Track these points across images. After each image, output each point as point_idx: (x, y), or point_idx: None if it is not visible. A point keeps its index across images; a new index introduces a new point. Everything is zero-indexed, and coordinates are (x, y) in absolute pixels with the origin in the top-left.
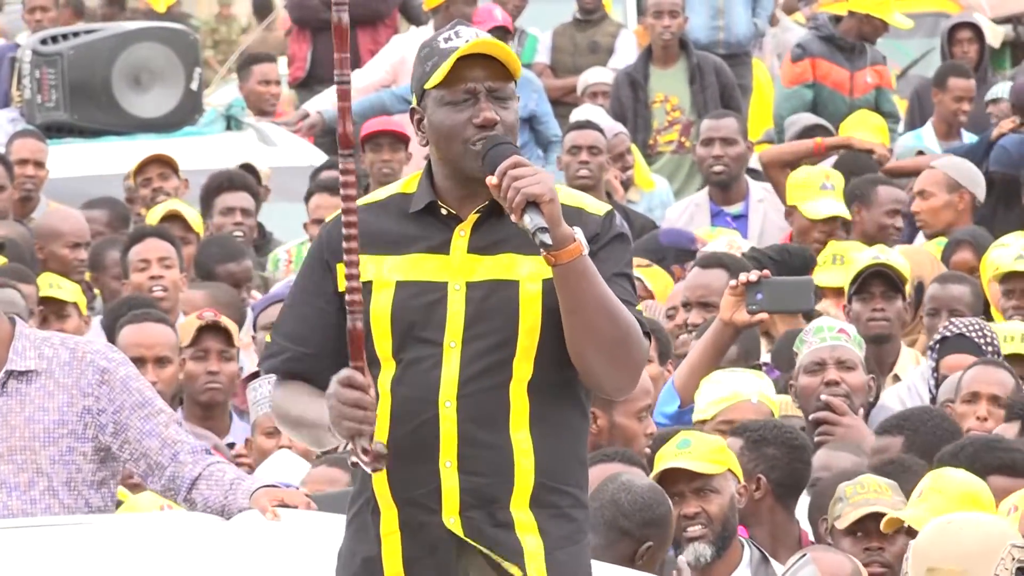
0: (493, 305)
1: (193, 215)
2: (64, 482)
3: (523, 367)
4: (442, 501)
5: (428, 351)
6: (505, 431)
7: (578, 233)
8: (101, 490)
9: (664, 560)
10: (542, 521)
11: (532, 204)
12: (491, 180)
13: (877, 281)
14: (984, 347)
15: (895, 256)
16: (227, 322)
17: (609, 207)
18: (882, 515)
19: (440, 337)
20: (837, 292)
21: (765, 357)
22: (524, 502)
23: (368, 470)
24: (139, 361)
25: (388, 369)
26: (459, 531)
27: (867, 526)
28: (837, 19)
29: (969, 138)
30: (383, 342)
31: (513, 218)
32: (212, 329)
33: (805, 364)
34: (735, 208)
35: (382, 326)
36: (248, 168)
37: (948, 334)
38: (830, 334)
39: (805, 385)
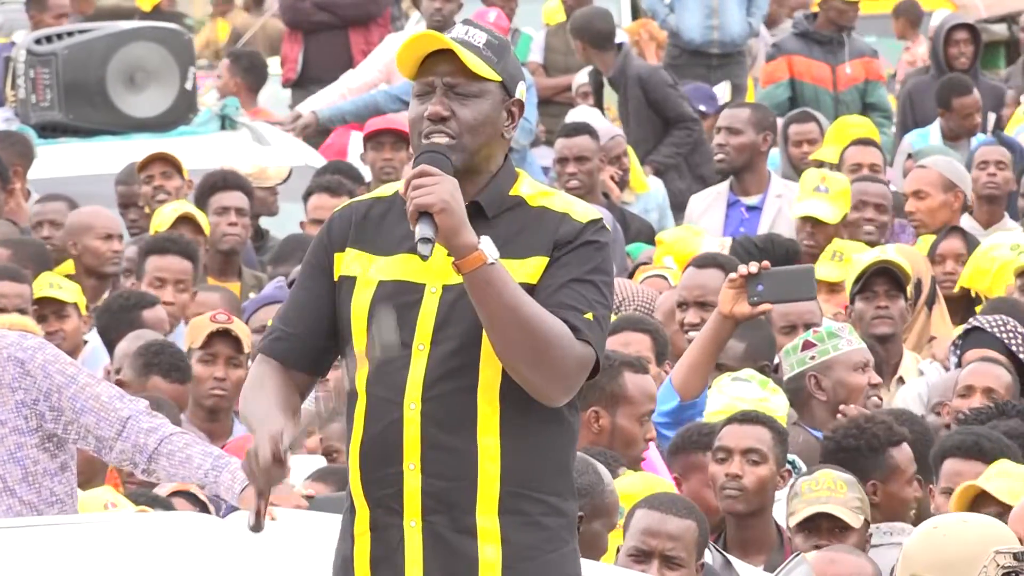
0: (461, 309)
1: (203, 217)
2: (20, 479)
3: (489, 372)
4: (404, 503)
5: (399, 352)
6: (471, 435)
7: (484, 243)
8: (64, 474)
9: (603, 534)
10: (508, 529)
11: (426, 214)
12: (400, 189)
13: (881, 280)
14: (1007, 342)
15: (898, 255)
16: (239, 328)
17: (596, 216)
18: (831, 515)
19: (411, 339)
20: (832, 287)
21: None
22: (491, 508)
23: (249, 525)
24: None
25: (364, 368)
26: (419, 535)
27: (818, 524)
28: (815, 16)
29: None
30: (360, 340)
31: (411, 226)
32: (223, 334)
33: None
34: (752, 200)
35: (360, 324)
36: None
37: (970, 328)
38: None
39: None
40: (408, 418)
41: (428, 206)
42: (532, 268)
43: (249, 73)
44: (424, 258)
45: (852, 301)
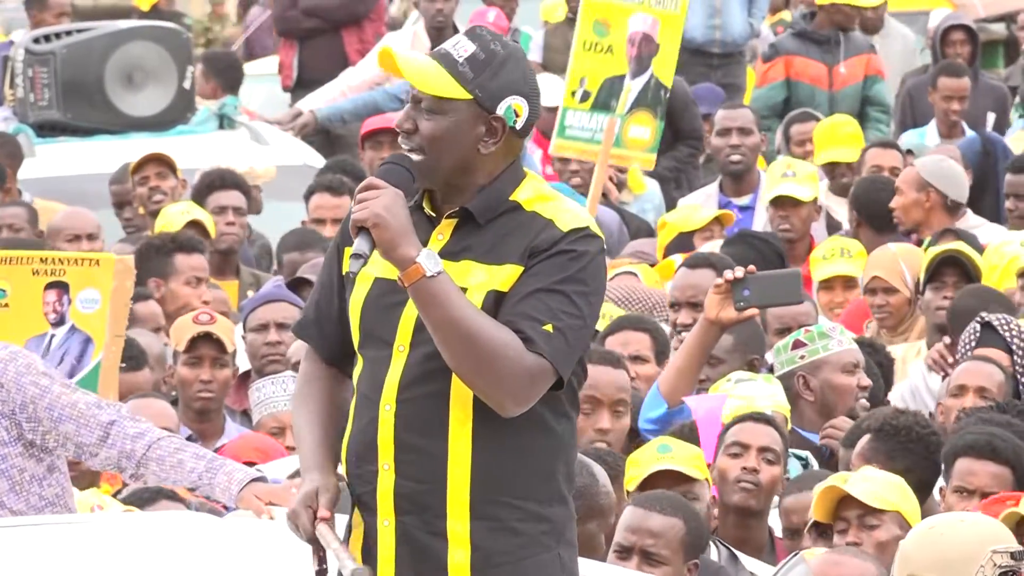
0: None
1: (210, 221)
2: (8, 490)
3: None
4: (378, 503)
5: (383, 352)
6: (442, 440)
7: (424, 257)
8: (52, 476)
9: (598, 535)
10: (478, 534)
11: (363, 228)
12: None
13: (951, 271)
14: (1009, 341)
15: (970, 248)
16: (221, 328)
17: (580, 225)
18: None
19: (393, 338)
20: (847, 281)
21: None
22: (461, 513)
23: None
24: None
25: (358, 364)
26: (392, 535)
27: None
28: (813, 15)
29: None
30: (355, 336)
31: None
32: (205, 336)
33: (844, 364)
34: (743, 200)
35: (355, 320)
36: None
37: (977, 327)
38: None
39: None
40: (383, 419)
41: (362, 221)
42: (505, 276)
43: (222, 75)
44: (352, 274)
45: (922, 291)
